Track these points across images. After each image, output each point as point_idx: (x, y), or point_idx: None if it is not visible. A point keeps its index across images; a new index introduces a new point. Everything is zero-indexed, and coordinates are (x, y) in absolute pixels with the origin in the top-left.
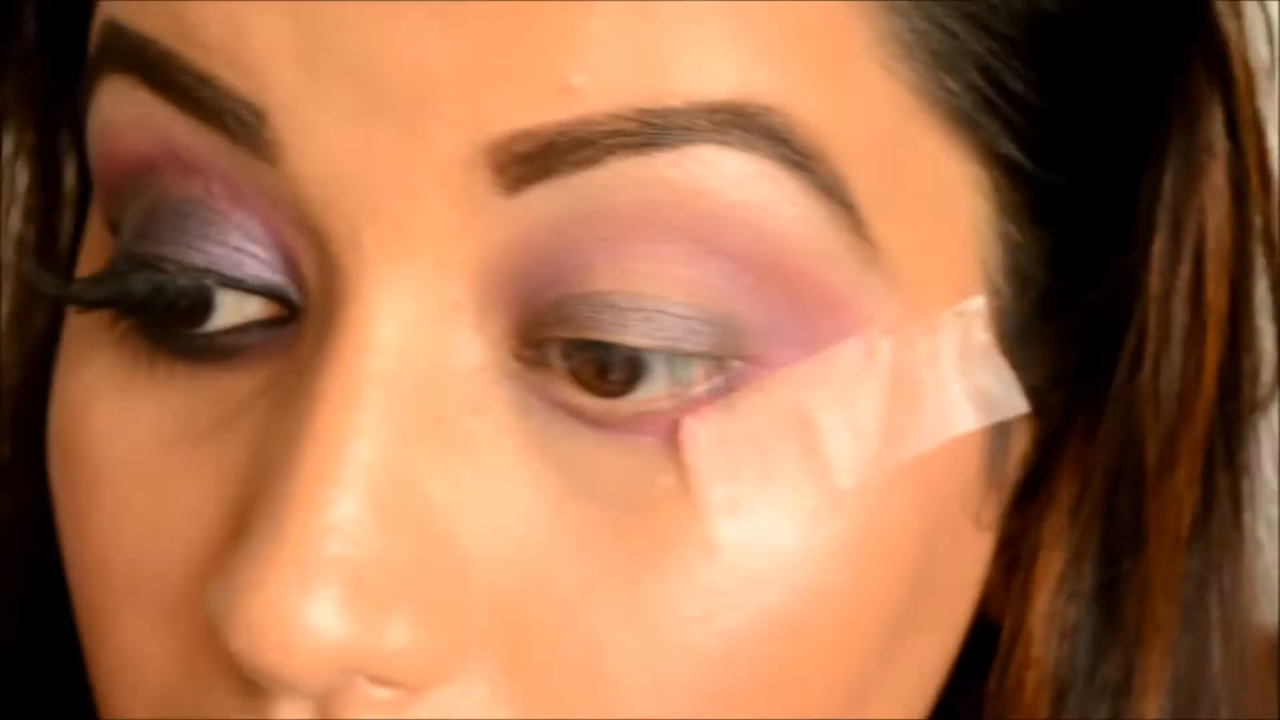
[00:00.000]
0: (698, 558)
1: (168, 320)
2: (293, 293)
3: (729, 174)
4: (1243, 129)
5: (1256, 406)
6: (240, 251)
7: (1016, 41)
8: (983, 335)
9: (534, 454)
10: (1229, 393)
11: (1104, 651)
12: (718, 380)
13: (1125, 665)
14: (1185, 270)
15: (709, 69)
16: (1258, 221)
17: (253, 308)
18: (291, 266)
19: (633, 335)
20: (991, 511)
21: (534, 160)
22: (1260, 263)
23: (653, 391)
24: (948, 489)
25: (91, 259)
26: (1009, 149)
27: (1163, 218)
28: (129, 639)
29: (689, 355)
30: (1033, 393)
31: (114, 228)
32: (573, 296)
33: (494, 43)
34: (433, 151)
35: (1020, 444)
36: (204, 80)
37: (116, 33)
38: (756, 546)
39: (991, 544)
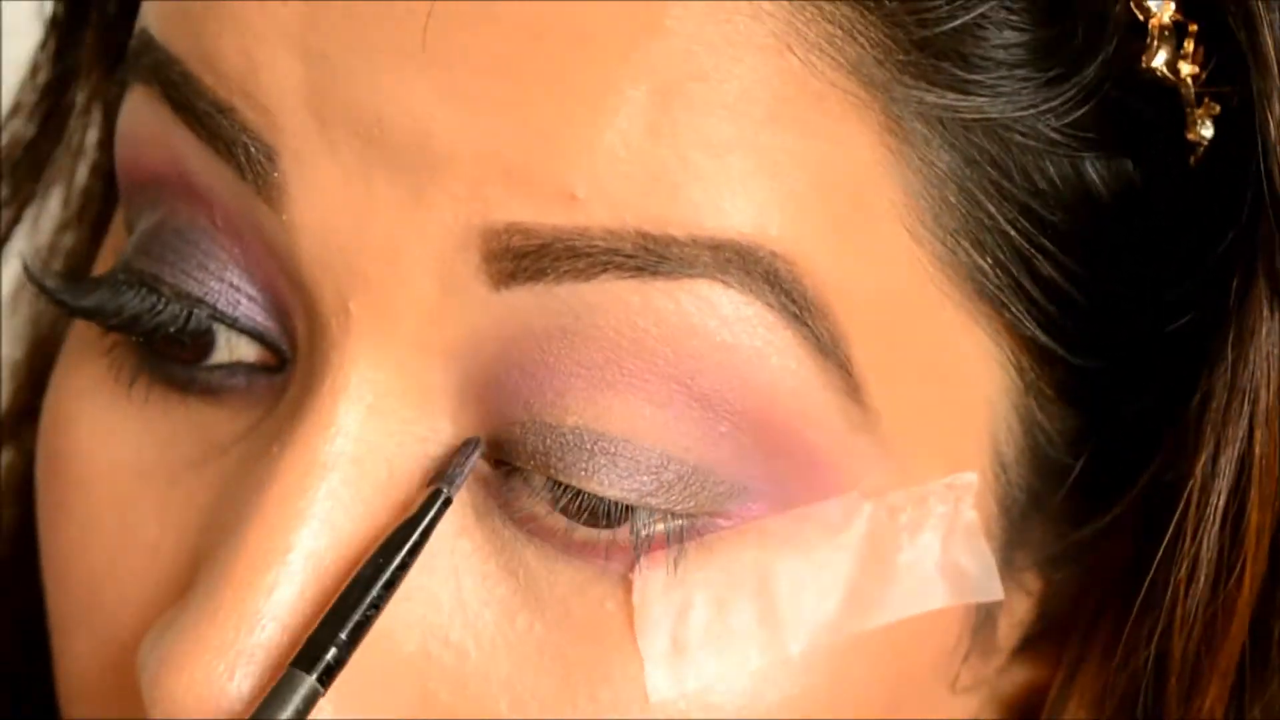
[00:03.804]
0: (633, 703)
1: (153, 342)
2: (283, 342)
3: (723, 314)
4: None
5: None
6: (236, 290)
7: (1058, 227)
8: (970, 514)
9: (489, 559)
10: (1266, 615)
11: None
12: (682, 522)
13: None
14: (1222, 497)
15: (719, 204)
16: None
17: (243, 349)
18: (283, 316)
19: (598, 484)
20: (973, 675)
21: (526, 258)
22: None
23: (615, 525)
24: (919, 659)
25: (107, 257)
26: (1035, 331)
27: (1207, 436)
28: (81, 658)
29: (652, 509)
30: (1039, 565)
31: (130, 229)
32: (545, 425)
33: (505, 132)
34: (429, 224)
35: (1018, 615)
36: (221, 110)
37: (147, 43)
38: (695, 702)
39: (974, 703)
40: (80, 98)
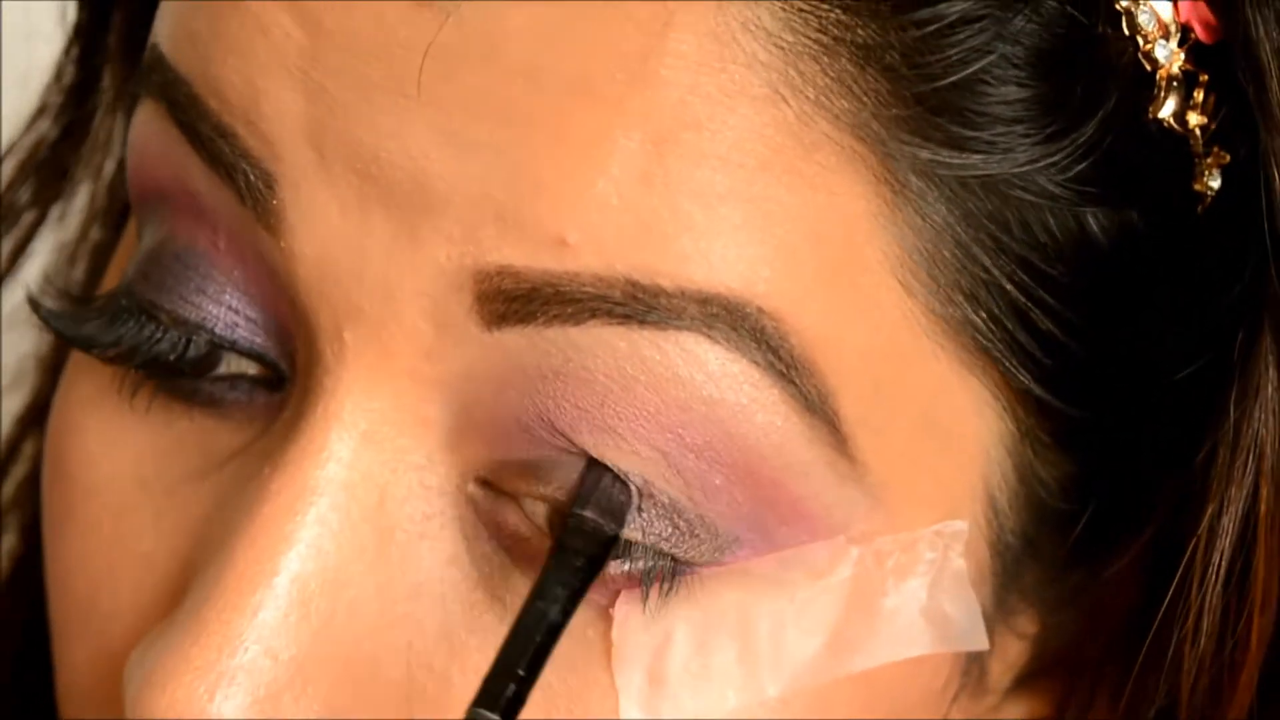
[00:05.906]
0: None
1: (152, 371)
2: (283, 363)
3: (709, 369)
4: None
5: None
6: (235, 313)
7: (1057, 280)
8: (958, 561)
9: (476, 588)
10: (1275, 671)
11: None
12: (666, 562)
13: None
14: (1227, 554)
15: (708, 256)
16: None
17: (246, 363)
18: (284, 337)
19: (631, 531)
20: (963, 715)
21: (516, 301)
22: None
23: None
24: (905, 701)
25: (119, 263)
26: (1030, 384)
27: (1212, 491)
28: (78, 666)
29: (662, 553)
30: (1035, 608)
31: (140, 237)
32: (551, 466)
33: (499, 176)
34: (423, 262)
35: (1011, 657)
36: (223, 135)
37: (158, 60)
38: None
39: None
40: (106, 99)
